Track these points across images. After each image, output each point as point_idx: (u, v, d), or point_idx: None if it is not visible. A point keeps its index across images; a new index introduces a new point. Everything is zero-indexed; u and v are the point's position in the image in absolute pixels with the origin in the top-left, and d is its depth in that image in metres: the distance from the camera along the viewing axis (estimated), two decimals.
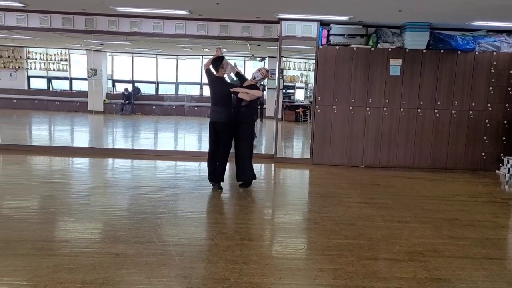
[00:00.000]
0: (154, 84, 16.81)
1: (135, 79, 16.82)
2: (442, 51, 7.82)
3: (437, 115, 7.99)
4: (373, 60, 7.87)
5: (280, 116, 16.07)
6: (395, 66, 7.85)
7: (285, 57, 16.63)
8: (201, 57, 16.81)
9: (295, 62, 17.16)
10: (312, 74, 16.63)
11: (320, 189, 6.47)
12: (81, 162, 7.83)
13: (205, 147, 8.48)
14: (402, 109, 7.97)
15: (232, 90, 5.87)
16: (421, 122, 8.01)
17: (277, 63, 8.53)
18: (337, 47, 7.91)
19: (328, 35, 7.96)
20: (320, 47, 7.95)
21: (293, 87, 17.12)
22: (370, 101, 7.96)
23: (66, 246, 3.86)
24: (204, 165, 6.38)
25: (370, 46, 7.87)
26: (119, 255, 3.70)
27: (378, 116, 8.00)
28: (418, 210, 5.44)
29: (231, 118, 5.88)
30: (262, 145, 11.49)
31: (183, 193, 5.89)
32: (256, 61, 16.28)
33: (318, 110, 8.09)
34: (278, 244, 4.24)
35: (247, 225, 4.76)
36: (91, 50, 15.01)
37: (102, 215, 4.82)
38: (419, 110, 7.98)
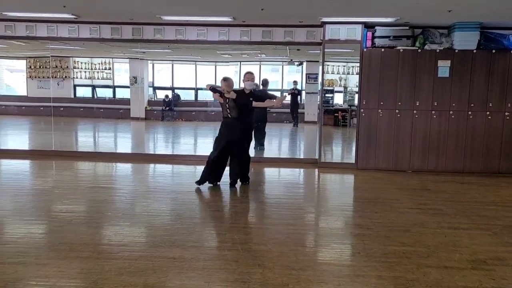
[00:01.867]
0: (193, 91, 17.07)
1: (174, 86, 17.16)
2: (493, 51, 7.53)
3: (489, 117, 7.69)
4: (420, 61, 7.67)
5: (317, 119, 16.14)
6: (444, 67, 7.62)
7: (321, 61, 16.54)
8: (239, 63, 16.99)
9: (333, 65, 17.00)
10: (351, 78, 16.46)
11: (369, 194, 6.35)
12: (127, 168, 8.03)
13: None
14: (451, 112, 7.73)
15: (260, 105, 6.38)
16: (472, 125, 7.72)
17: (320, 67, 8.47)
18: (383, 50, 7.78)
19: (373, 37, 7.83)
20: (365, 50, 7.83)
21: (332, 91, 16.96)
22: (417, 104, 7.76)
23: (125, 249, 3.95)
24: None
25: (417, 48, 7.68)
26: (177, 259, 3.75)
27: (426, 119, 7.79)
28: (475, 216, 5.24)
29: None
30: (300, 150, 11.43)
31: (228, 198, 5.93)
32: (294, 65, 16.26)
33: (363, 114, 7.96)
34: (333, 250, 4.18)
35: (298, 230, 4.73)
36: (134, 58, 15.42)
37: (156, 220, 4.91)
38: (469, 112, 7.70)
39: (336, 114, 16.61)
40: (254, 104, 6.25)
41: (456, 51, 7.56)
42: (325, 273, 3.59)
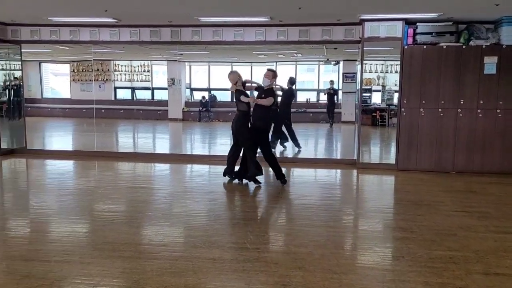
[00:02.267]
0: (230, 92, 17.13)
1: (211, 87, 17.30)
2: None
3: None
4: (465, 58, 7.35)
5: (354, 119, 15.84)
6: (490, 64, 7.26)
7: (358, 60, 16.21)
8: (275, 63, 16.93)
9: (371, 64, 16.60)
10: (389, 76, 16.00)
11: (411, 196, 6.13)
12: (166, 168, 8.14)
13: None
14: (498, 110, 7.36)
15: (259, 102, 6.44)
16: None
17: (359, 66, 8.31)
18: (424, 46, 7.51)
19: (414, 34, 7.58)
20: (406, 47, 7.59)
21: (369, 90, 16.59)
22: (461, 102, 7.44)
23: (166, 250, 3.98)
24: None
25: (461, 44, 7.36)
26: (216, 261, 3.74)
27: (470, 118, 7.45)
28: None
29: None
30: (337, 150, 11.22)
31: (265, 199, 5.88)
32: (331, 65, 16.03)
33: (404, 113, 7.73)
34: (375, 253, 4.05)
35: (339, 233, 4.63)
36: (172, 60, 15.66)
37: (195, 220, 4.93)
38: None
39: (374, 114, 16.24)
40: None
41: (504, 46, 7.19)
42: (368, 277, 3.48)
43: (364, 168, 7.93)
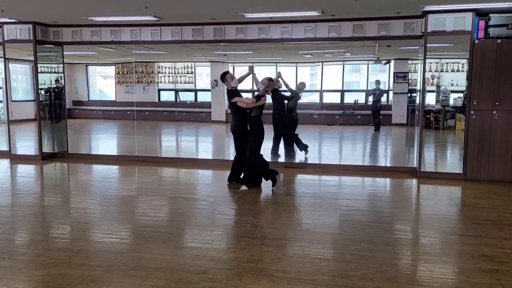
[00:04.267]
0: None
1: (255, 88, 16.69)
2: None
3: None
4: None
5: (405, 121, 14.74)
6: None
7: (410, 59, 15.13)
8: (321, 63, 16.11)
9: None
10: (445, 76, 14.81)
11: (489, 213, 5.20)
12: (208, 175, 7.61)
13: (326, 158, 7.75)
14: None
15: (232, 100, 6.38)
16: None
17: (420, 65, 7.38)
18: (499, 41, 6.52)
19: (486, 26, 6.60)
20: (476, 41, 6.62)
21: None
22: None
23: (205, 278, 3.36)
24: None
25: None
26: None
27: None
28: None
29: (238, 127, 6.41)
30: (390, 156, 10.26)
31: (311, 211, 5.15)
32: (381, 64, 15.01)
33: (474, 117, 6.75)
34: None
35: (409, 262, 3.84)
36: (215, 61, 15.22)
37: (239, 240, 4.29)
38: None
39: (427, 116, 15.09)
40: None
41: None
42: None
43: (426, 177, 7.02)
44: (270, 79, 6.80)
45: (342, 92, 16.20)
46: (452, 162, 8.54)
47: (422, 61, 7.12)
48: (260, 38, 7.76)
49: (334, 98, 16.57)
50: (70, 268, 3.56)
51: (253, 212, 5.26)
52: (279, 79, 8.83)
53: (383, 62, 14.71)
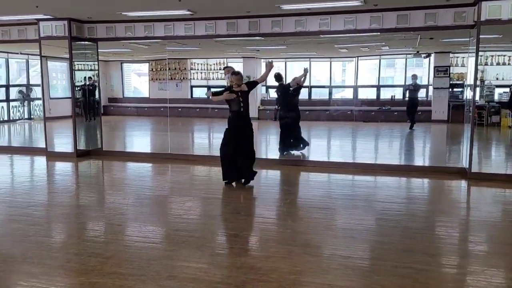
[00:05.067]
0: (307, 89, 16.00)
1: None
2: None
3: None
4: None
5: (446, 117, 13.94)
6: None
7: (452, 52, 14.30)
8: (356, 58, 15.50)
9: (463, 57, 14.62)
10: (489, 69, 13.93)
11: None
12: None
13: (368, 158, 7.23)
14: None
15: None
16: None
17: (472, 59, 6.75)
18: None
19: None
20: None
21: (462, 85, 14.63)
22: None
23: None
24: None
25: None
26: None
27: None
28: None
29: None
30: (430, 155, 9.62)
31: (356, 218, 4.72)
32: (421, 57, 14.25)
33: None
34: None
35: (474, 277, 3.36)
36: (248, 57, 14.90)
37: (266, 245, 3.93)
38: None
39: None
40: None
41: None
42: None
43: (477, 179, 6.42)
44: (233, 73, 6.02)
45: (378, 87, 15.54)
46: (503, 161, 7.88)
47: (474, 53, 6.48)
48: (296, 31, 7.34)
49: (370, 94, 15.93)
50: (101, 276, 3.30)
51: (292, 216, 4.88)
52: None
53: (423, 55, 13.96)
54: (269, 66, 6.05)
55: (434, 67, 13.93)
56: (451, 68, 14.29)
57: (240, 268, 3.44)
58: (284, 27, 7.38)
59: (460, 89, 14.61)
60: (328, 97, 15.84)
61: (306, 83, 15.92)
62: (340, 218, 4.83)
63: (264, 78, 6.14)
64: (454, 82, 14.41)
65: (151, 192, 6.08)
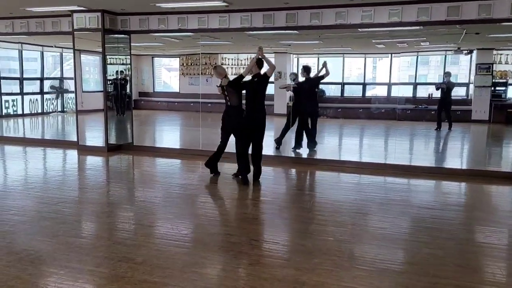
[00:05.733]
0: (340, 85, 15.48)
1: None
2: None
3: None
4: None
5: (487, 117, 13.14)
6: None
7: (495, 49, 13.46)
8: (390, 55, 14.85)
9: (507, 54, 13.77)
10: None
11: None
12: (269, 172, 6.91)
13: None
14: None
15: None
16: None
17: None
18: None
19: None
20: None
21: (505, 84, 13.79)
22: None
23: None
24: None
25: None
26: None
27: None
28: None
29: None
30: (475, 157, 8.98)
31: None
32: (462, 54, 13.48)
33: None
34: None
35: None
36: (280, 52, 14.49)
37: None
38: None
39: (509, 110, 13.44)
40: None
41: None
42: None
43: None
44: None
45: (415, 85, 14.84)
46: None
47: None
48: (337, 23, 6.89)
49: (405, 92, 15.26)
50: (132, 285, 3.02)
51: (335, 223, 4.49)
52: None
53: (464, 52, 13.20)
54: (259, 52, 5.89)
55: (476, 64, 13.15)
56: (494, 65, 13.47)
57: (282, 281, 3.10)
58: (323, 20, 6.95)
59: (503, 88, 13.78)
60: (361, 94, 15.29)
61: (338, 80, 15.49)
62: (384, 225, 4.40)
63: (248, 69, 5.85)
64: (497, 81, 13.60)
65: (182, 190, 5.80)
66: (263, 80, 5.81)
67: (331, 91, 16.09)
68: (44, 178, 6.51)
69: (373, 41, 11.19)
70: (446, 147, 10.34)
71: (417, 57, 14.50)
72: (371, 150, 9.65)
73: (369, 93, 15.76)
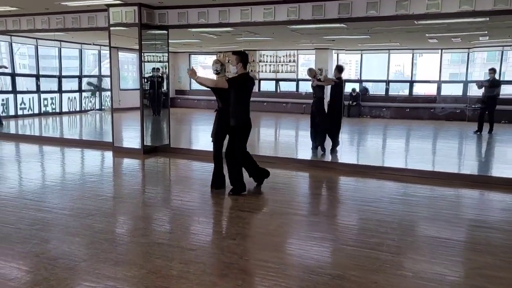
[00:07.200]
0: (385, 83, 14.44)
1: (362, 78, 14.85)
2: None
3: None
4: None
5: None
6: None
7: None
8: (440, 50, 13.67)
9: None
10: None
11: None
12: (303, 178, 6.14)
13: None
14: None
15: None
16: None
17: None
18: None
19: None
20: None
21: None
22: None
23: None
24: None
25: None
26: None
27: None
28: None
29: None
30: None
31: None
32: None
33: None
34: None
35: None
36: (321, 48, 13.65)
37: None
38: None
39: None
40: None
41: None
42: None
43: None
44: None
45: (466, 83, 13.60)
46: None
47: None
48: (397, 14, 6.02)
49: (454, 90, 14.06)
50: None
51: (408, 250, 3.68)
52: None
53: None
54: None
55: None
56: None
57: None
58: (381, 10, 6.10)
59: None
60: (408, 93, 14.21)
61: (383, 77, 14.44)
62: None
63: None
64: None
65: (221, 207, 5.12)
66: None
67: (375, 89, 15.09)
68: (78, 184, 5.94)
69: (427, 35, 10.15)
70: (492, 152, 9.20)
71: (468, 54, 13.24)
72: (434, 156, 8.69)
73: (445, 91, 14.31)
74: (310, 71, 8.15)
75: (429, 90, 14.59)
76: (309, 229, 4.16)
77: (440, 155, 8.66)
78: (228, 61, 5.58)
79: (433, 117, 12.87)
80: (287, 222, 4.41)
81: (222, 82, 4.97)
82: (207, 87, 5.24)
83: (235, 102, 4.98)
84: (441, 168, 6.80)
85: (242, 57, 5.03)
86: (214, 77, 5.31)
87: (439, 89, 13.78)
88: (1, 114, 11.24)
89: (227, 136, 5.24)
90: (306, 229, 4.19)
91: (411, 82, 14.14)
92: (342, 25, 7.14)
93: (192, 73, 5.20)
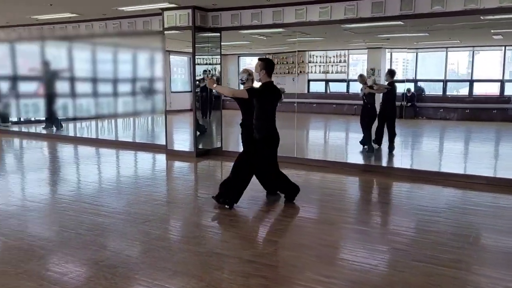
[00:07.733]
0: (442, 83, 13.64)
1: (417, 78, 14.10)
2: None
3: None
4: None
5: None
6: None
7: None
8: (503, 47, 12.68)
9: None
10: None
11: None
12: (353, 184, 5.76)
13: None
14: None
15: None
16: None
17: None
18: None
19: None
20: None
21: None
22: None
23: None
24: None
25: None
26: None
27: None
28: None
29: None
30: None
31: None
32: None
33: None
34: None
35: None
36: (373, 48, 13.10)
37: None
38: None
39: None
40: None
41: None
42: None
43: None
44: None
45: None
46: None
47: None
48: (466, 9, 5.54)
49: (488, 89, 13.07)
50: None
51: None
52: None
53: None
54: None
55: None
56: None
57: None
58: (448, 5, 5.63)
59: None
60: (468, 93, 13.32)
61: (440, 77, 13.64)
62: None
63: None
64: None
65: (281, 215, 4.89)
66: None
67: (429, 89, 14.30)
68: (134, 188, 5.89)
69: (492, 31, 9.40)
70: None
71: (504, 51, 12.19)
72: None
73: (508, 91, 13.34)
74: (361, 77, 7.82)
75: (490, 89, 13.61)
76: (374, 241, 3.85)
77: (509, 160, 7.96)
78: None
79: (495, 119, 11.97)
80: (349, 234, 4.12)
81: (241, 92, 4.72)
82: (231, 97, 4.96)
83: (258, 113, 4.63)
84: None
85: (266, 64, 4.63)
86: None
87: (502, 88, 12.80)
88: (61, 117, 11.69)
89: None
90: (371, 241, 3.88)
91: (471, 82, 13.24)
92: (399, 22, 6.72)
93: (211, 82, 4.94)
